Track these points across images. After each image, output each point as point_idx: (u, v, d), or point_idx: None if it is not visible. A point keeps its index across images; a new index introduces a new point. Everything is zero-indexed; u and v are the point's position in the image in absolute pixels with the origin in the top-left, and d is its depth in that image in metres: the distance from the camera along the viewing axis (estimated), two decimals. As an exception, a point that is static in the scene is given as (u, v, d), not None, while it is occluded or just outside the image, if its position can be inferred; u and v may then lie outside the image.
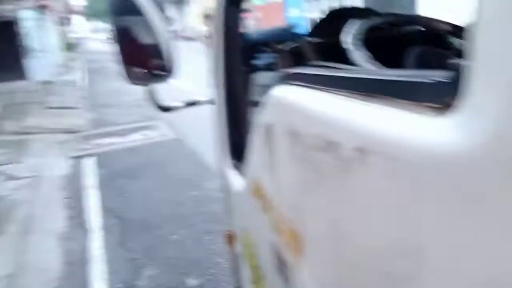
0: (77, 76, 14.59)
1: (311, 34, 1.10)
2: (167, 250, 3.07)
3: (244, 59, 1.00)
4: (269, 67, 1.09)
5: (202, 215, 3.56)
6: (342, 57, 0.75)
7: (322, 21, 1.11)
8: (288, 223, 0.53)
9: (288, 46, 1.03)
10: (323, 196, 0.44)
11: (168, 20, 1.13)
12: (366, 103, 0.37)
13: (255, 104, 1.02)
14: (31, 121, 7.64)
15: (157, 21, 1.07)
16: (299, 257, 0.50)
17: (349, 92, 0.40)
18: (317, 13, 19.48)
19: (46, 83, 10.95)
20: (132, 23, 1.09)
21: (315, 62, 0.52)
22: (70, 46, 22.87)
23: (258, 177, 0.68)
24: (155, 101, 1.20)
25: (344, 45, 0.78)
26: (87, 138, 6.51)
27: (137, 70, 1.13)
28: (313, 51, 0.97)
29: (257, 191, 0.69)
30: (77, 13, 33.95)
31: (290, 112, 0.51)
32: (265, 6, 19.07)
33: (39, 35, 11.55)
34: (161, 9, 1.09)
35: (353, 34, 0.81)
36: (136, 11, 1.06)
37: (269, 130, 0.58)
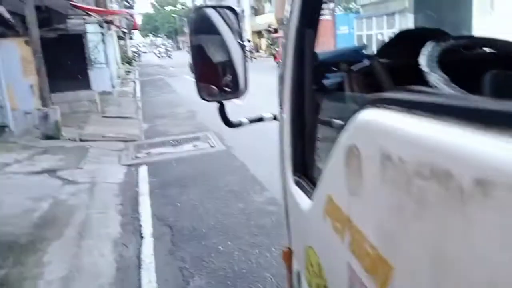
0: (134, 87, 15.29)
1: (379, 55, 1.10)
2: (214, 261, 3.10)
3: (313, 78, 1.01)
4: (338, 87, 1.09)
5: (250, 228, 3.58)
6: (415, 78, 0.74)
7: (391, 42, 1.11)
8: (374, 248, 0.52)
9: (358, 66, 1.03)
10: (425, 226, 0.42)
11: (243, 40, 1.17)
12: (485, 133, 0.35)
13: (324, 123, 1.02)
14: (89, 129, 8.07)
15: (233, 41, 1.11)
16: (384, 285, 0.49)
17: (462, 121, 0.38)
18: (365, 31, 19.41)
19: (105, 93, 11.57)
20: (208, 42, 1.14)
21: (409, 87, 0.51)
22: (129, 59, 24.03)
23: (333, 196, 0.67)
24: (224, 117, 1.24)
25: (420, 67, 0.77)
26: (140, 147, 6.78)
27: (210, 86, 1.18)
28: (383, 72, 0.96)
29: (330, 211, 0.68)
30: (136, 29, 35.84)
31: (384, 136, 0.49)
32: (316, 23, 19.11)
33: (102, 48, 12.29)
34: (238, 30, 1.13)
35: (428, 55, 0.80)
36: (214, 31, 1.11)
37: (353, 153, 0.57)
